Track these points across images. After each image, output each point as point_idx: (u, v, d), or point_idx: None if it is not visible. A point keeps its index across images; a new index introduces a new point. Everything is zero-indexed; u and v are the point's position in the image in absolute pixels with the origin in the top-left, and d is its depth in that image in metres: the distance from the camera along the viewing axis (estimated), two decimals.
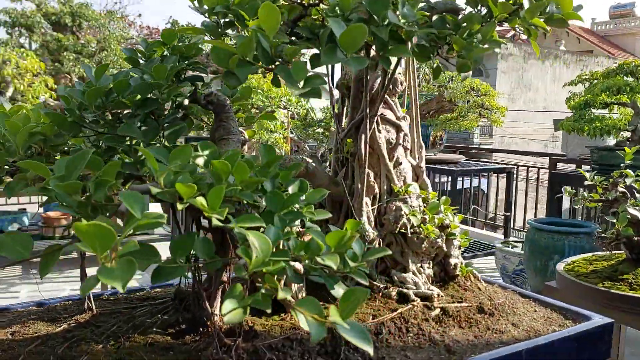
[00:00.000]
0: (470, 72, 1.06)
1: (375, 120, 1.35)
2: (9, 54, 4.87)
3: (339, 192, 1.40)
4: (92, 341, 1.16)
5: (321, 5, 1.00)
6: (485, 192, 11.65)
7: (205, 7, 0.97)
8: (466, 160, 6.82)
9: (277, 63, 0.89)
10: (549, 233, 4.31)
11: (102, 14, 6.88)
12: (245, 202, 0.91)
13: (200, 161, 0.94)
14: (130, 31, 16.34)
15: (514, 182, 6.53)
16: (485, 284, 1.61)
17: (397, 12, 0.94)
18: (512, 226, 6.83)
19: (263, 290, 0.83)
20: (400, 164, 1.43)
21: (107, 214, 0.87)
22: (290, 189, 1.03)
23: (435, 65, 1.08)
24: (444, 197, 1.55)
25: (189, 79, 1.16)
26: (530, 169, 6.95)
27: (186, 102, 1.16)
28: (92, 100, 0.96)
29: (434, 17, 1.02)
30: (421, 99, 6.94)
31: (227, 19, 0.96)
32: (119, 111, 1.05)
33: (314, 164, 1.37)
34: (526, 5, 1.03)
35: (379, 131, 1.39)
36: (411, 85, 1.51)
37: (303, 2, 1.00)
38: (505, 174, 6.27)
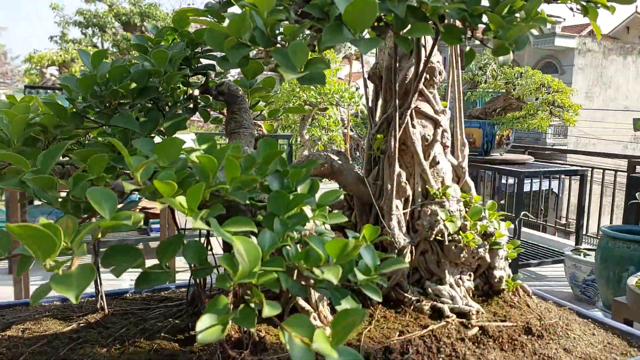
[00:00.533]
0: (510, 57, 0.90)
1: (408, 114, 1.21)
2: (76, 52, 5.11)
3: (367, 193, 1.27)
4: (97, 344, 1.10)
5: None
6: (558, 194, 11.00)
7: None
8: (535, 161, 6.42)
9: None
10: (624, 242, 3.95)
11: (168, 14, 7.07)
12: (240, 202, 0.81)
13: (195, 156, 0.85)
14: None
15: (588, 186, 6.07)
16: (538, 300, 1.42)
17: None
18: (584, 232, 6.37)
19: (251, 304, 0.72)
20: (438, 163, 1.28)
21: (90, 212, 0.80)
22: (300, 189, 0.92)
23: (467, 48, 0.93)
24: (489, 202, 1.38)
25: (200, 67, 1.08)
26: (606, 171, 6.44)
27: (196, 92, 1.08)
28: (86, 89, 0.90)
29: None
30: (487, 96, 6.62)
31: None
32: (123, 101, 0.98)
33: (340, 162, 1.25)
34: None
35: (414, 126, 1.25)
36: (454, 74, 1.35)
37: None
38: (578, 177, 5.84)
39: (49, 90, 4.76)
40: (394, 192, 1.21)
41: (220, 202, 0.78)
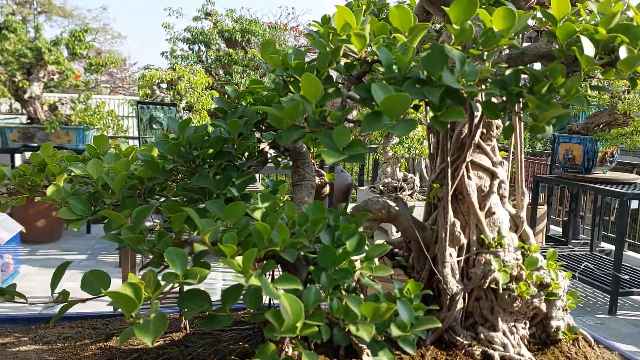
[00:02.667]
0: (549, 131, 0.92)
1: (463, 166, 1.27)
2: (183, 70, 5.53)
3: (425, 237, 1.35)
4: None
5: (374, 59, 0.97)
6: None
7: (269, 64, 1.02)
8: None
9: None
10: None
11: (267, 30, 7.45)
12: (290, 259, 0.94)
13: (257, 214, 0.99)
14: (300, 40, 17.33)
15: None
16: (601, 350, 1.41)
17: (457, 71, 0.88)
18: None
19: (291, 353, 0.84)
20: (494, 213, 1.32)
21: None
22: (348, 244, 1.03)
23: (507, 123, 0.98)
24: (550, 250, 1.39)
25: (270, 127, 1.23)
26: None
27: (267, 148, 1.23)
28: (173, 152, 1.07)
29: (508, 72, 0.93)
30: (590, 111, 6.25)
31: (291, 79, 1.00)
32: (202, 162, 1.15)
33: (397, 207, 1.34)
34: (622, 55, 0.89)
35: (469, 178, 1.31)
36: (515, 128, 1.38)
37: (367, 58, 0.99)
38: None
39: (157, 106, 5.24)
40: (448, 241, 1.28)
41: (273, 260, 0.91)
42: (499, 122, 1.32)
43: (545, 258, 1.38)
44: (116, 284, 0.80)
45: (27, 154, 5.78)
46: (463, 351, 1.29)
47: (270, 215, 0.90)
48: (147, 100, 5.68)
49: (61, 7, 23.43)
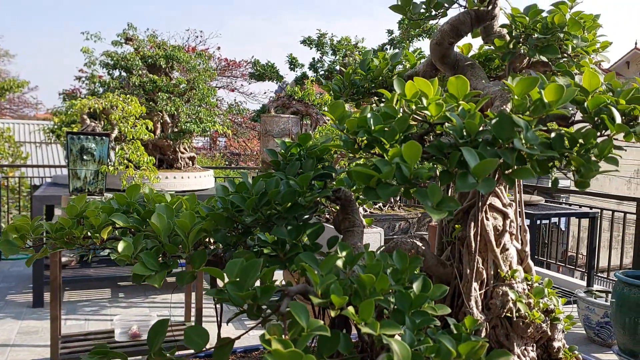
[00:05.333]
0: None
1: (483, 209, 1.45)
2: (117, 100, 5.36)
3: (446, 274, 1.50)
4: None
5: (446, 124, 1.11)
6: (563, 229, 11.15)
7: (346, 127, 1.12)
8: (546, 201, 6.59)
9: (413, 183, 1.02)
10: (639, 288, 4.12)
11: (192, 57, 7.39)
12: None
13: (339, 263, 1.07)
14: (210, 63, 17.24)
15: (597, 227, 6.25)
16: None
17: (522, 136, 1.04)
18: (595, 272, 6.53)
19: None
20: (507, 249, 1.50)
21: (270, 313, 1.02)
22: (415, 287, 1.14)
23: (553, 178, 1.16)
24: (546, 279, 1.60)
25: (320, 176, 1.31)
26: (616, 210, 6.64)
27: (318, 197, 1.31)
28: (250, 206, 1.13)
29: (553, 135, 1.11)
30: None
31: (364, 140, 1.10)
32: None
33: (423, 247, 1.47)
34: None
35: (487, 219, 1.48)
36: None
37: (430, 120, 1.13)
38: (588, 219, 6.01)
39: (89, 137, 5.04)
40: (473, 277, 1.43)
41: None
42: None
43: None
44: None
45: None
46: None
47: (372, 267, 0.99)
48: (79, 132, 5.44)
49: None
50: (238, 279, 0.97)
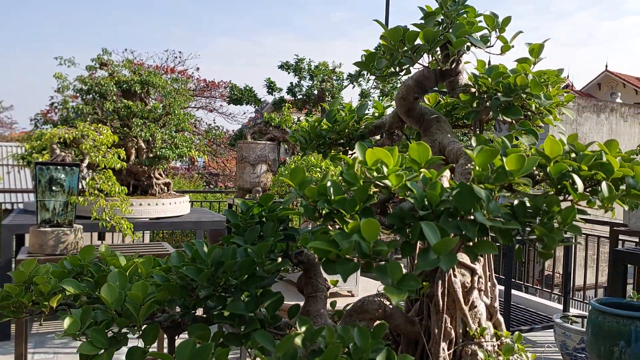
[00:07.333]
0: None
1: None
2: (88, 129, 5.27)
3: (414, 332, 1.46)
4: None
5: (407, 193, 1.09)
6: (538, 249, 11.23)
7: (307, 194, 1.09)
8: None
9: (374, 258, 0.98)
10: (614, 317, 4.13)
11: (167, 82, 7.33)
12: None
13: (298, 340, 1.03)
14: (189, 84, 17.18)
15: (572, 253, 6.31)
16: None
17: (483, 208, 1.02)
18: (570, 296, 6.58)
19: None
20: (476, 306, 1.48)
21: None
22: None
23: (517, 247, 1.14)
24: (516, 334, 1.57)
25: (282, 239, 1.27)
26: (589, 236, 6.73)
27: (279, 259, 1.27)
28: (204, 279, 1.08)
29: (515, 202, 1.09)
30: None
31: (324, 211, 1.07)
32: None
33: (391, 306, 1.44)
34: (605, 192, 1.09)
35: (455, 276, 1.45)
36: None
37: (392, 189, 1.10)
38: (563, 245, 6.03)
39: (58, 167, 4.94)
40: (441, 337, 1.40)
41: None
42: None
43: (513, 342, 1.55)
44: None
45: None
46: None
47: (330, 351, 0.95)
48: (47, 162, 5.33)
49: None
50: None
